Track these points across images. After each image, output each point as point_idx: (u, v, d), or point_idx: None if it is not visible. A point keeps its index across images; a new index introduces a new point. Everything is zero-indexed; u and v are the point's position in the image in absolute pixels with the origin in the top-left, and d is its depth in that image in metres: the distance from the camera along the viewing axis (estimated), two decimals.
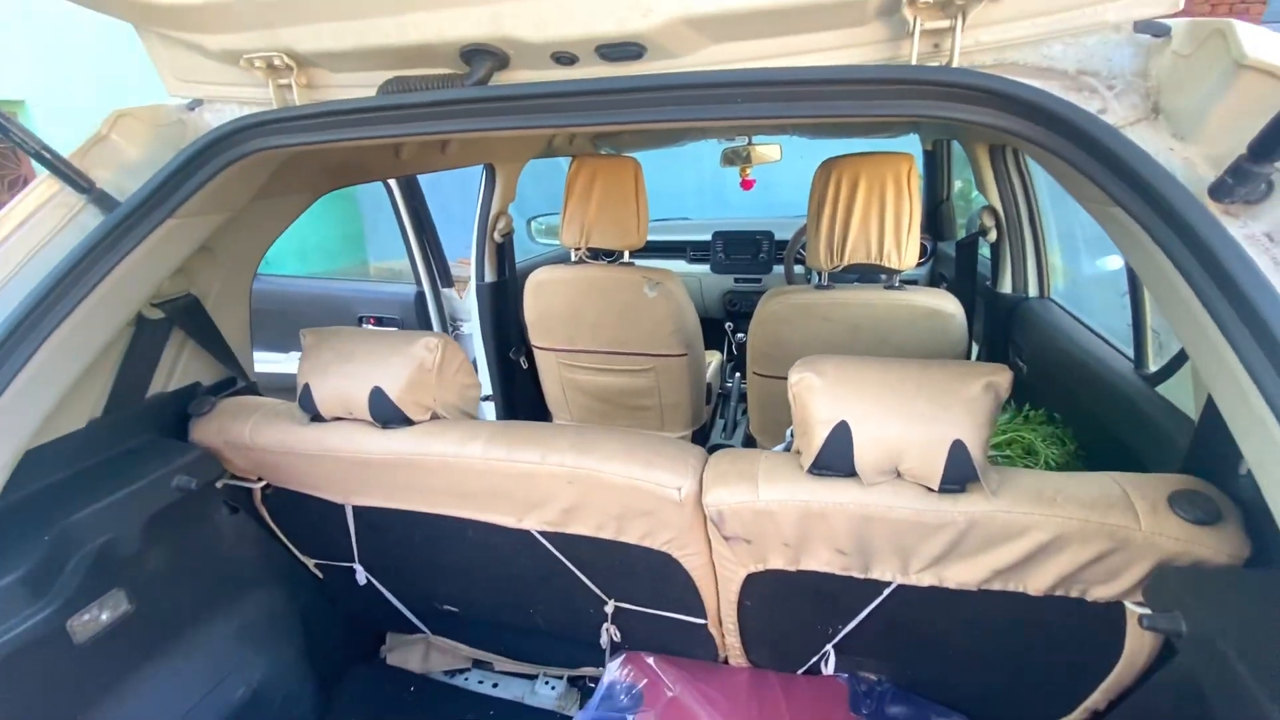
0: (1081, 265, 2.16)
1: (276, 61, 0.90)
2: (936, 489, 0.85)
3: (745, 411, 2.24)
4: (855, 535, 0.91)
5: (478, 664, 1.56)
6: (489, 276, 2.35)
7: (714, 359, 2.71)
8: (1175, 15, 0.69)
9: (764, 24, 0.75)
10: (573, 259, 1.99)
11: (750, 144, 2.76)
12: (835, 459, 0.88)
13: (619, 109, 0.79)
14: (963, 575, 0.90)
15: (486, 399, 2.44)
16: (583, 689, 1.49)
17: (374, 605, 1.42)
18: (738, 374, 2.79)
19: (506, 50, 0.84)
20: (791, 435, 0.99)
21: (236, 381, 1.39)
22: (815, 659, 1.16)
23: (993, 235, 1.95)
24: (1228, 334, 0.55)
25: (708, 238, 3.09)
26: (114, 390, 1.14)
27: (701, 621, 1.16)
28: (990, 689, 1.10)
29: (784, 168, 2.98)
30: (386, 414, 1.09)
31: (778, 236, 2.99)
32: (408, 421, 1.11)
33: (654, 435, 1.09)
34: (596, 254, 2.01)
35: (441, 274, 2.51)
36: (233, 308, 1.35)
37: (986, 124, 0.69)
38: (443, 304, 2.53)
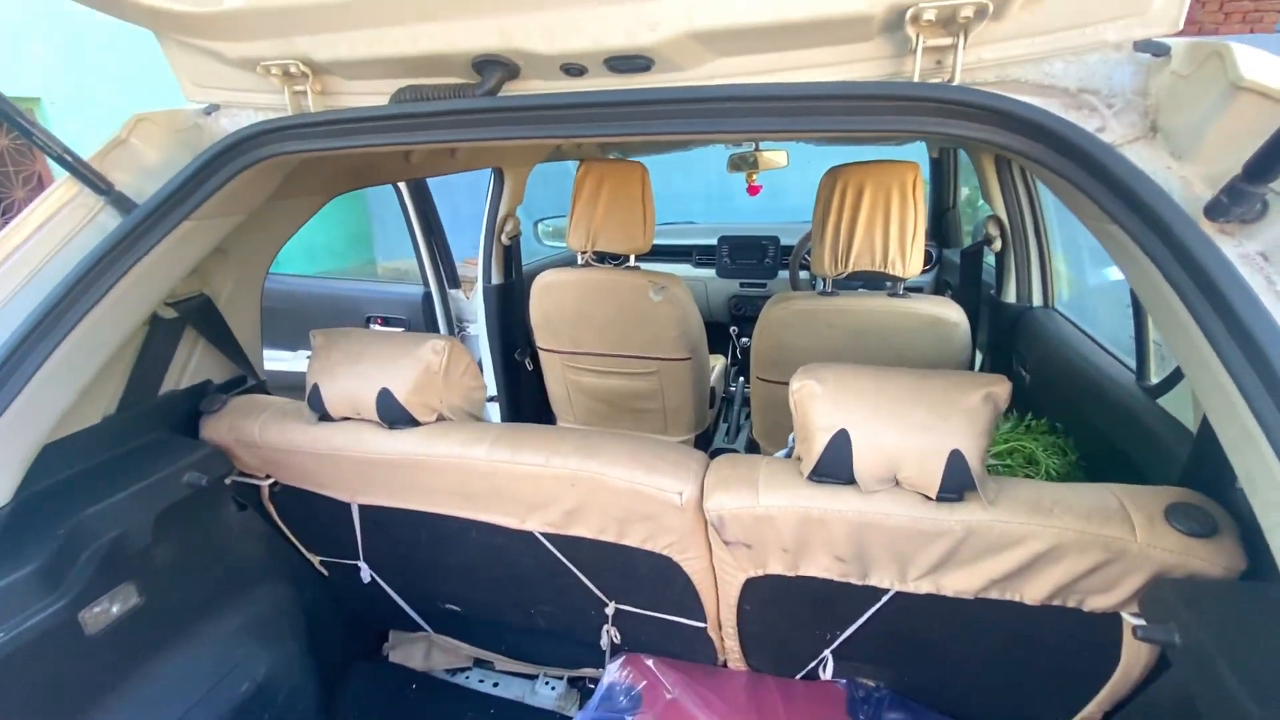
0: (1086, 275, 2.16)
1: (292, 69, 0.92)
2: (934, 498, 0.86)
3: (749, 416, 2.25)
4: (854, 542, 0.92)
5: (479, 663, 1.57)
6: (496, 278, 2.37)
7: (718, 363, 2.72)
8: (1175, 35, 0.70)
9: (769, 39, 0.77)
10: (579, 262, 2.01)
11: (757, 150, 2.77)
12: (835, 466, 0.89)
13: (626, 120, 0.81)
14: (960, 583, 0.91)
15: (491, 400, 2.46)
16: (582, 690, 1.50)
17: (378, 603, 1.44)
18: (741, 378, 2.80)
19: (517, 61, 0.85)
20: (794, 441, 1.00)
21: (247, 380, 1.41)
22: (814, 664, 1.17)
23: (997, 244, 1.96)
24: (1220, 352, 0.56)
25: (713, 242, 3.10)
26: (128, 387, 1.16)
27: (701, 625, 1.17)
28: (987, 697, 1.11)
29: (791, 173, 2.99)
30: (393, 415, 1.11)
31: (784, 242, 3.00)
32: (414, 422, 1.13)
33: (657, 440, 1.10)
34: (603, 257, 2.03)
35: (449, 275, 2.54)
36: (244, 307, 1.37)
37: (987, 141, 0.70)
38: (449, 305, 2.56)
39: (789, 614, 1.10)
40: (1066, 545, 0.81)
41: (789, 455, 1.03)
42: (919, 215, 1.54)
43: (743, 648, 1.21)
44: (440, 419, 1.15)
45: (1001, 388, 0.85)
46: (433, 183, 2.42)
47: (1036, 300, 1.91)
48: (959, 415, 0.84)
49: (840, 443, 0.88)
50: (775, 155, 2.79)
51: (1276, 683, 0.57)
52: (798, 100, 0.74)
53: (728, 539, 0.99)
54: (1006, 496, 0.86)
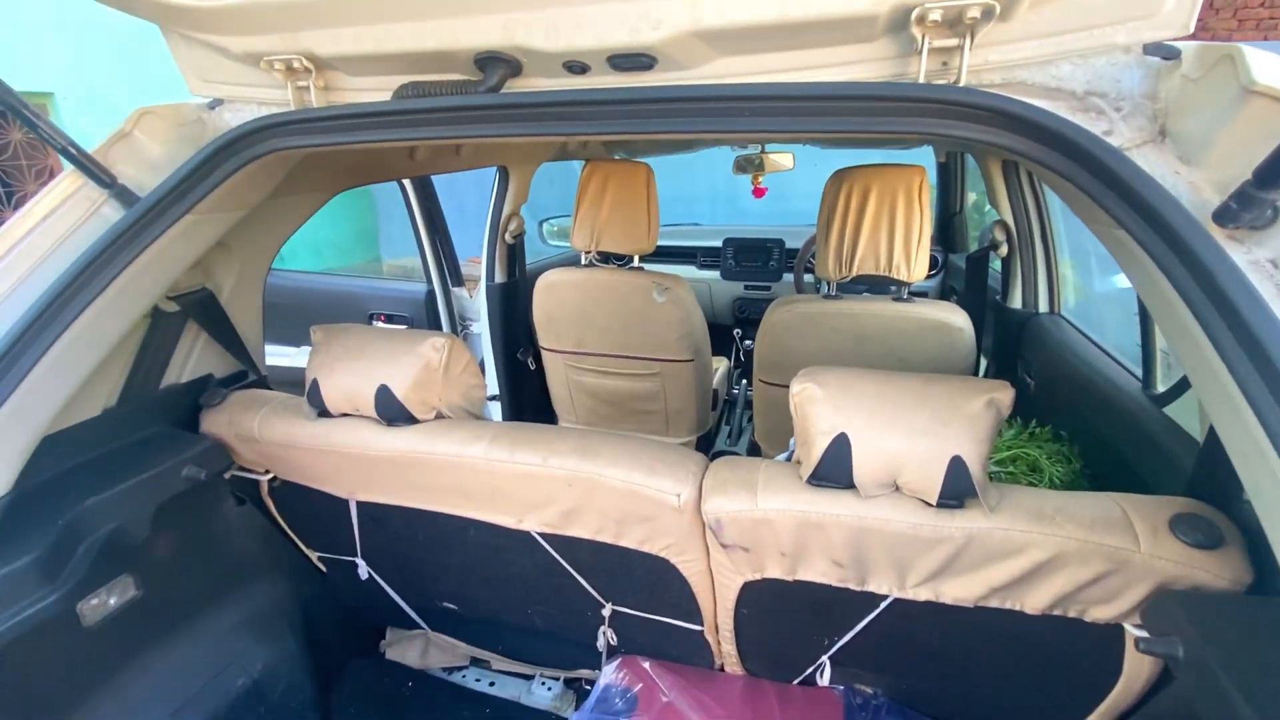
0: (1094, 282, 2.14)
1: (296, 64, 0.92)
2: (935, 504, 0.85)
3: (751, 419, 2.24)
4: (852, 547, 0.91)
5: (475, 662, 1.57)
6: (499, 277, 2.37)
7: (721, 365, 2.71)
8: (1186, 38, 0.69)
9: (773, 39, 0.76)
10: (583, 262, 2.01)
11: (764, 152, 2.77)
12: (834, 470, 0.88)
13: (629, 119, 0.80)
14: (959, 591, 0.90)
15: (493, 399, 2.45)
16: (579, 691, 1.49)
17: (375, 600, 1.43)
18: (744, 381, 2.79)
19: (519, 58, 0.85)
20: (795, 444, 1.00)
21: (248, 375, 1.41)
22: (811, 669, 1.16)
23: (1004, 250, 1.94)
24: (1228, 361, 0.55)
25: (718, 244, 3.10)
26: (129, 380, 1.16)
27: (698, 628, 1.17)
28: (985, 707, 1.09)
29: (797, 176, 2.98)
30: (392, 412, 1.11)
31: (789, 245, 2.99)
32: (413, 420, 1.12)
33: (655, 441, 1.10)
34: (607, 257, 2.03)
35: (452, 273, 2.54)
36: (246, 302, 1.37)
37: (992, 143, 0.69)
38: (452, 303, 2.56)
39: (786, 619, 1.09)
40: (1069, 554, 0.80)
41: (790, 458, 1.02)
42: (925, 220, 1.52)
43: (739, 652, 1.20)
44: (439, 417, 1.15)
45: (1004, 393, 0.84)
46: (438, 182, 2.42)
47: (1043, 306, 1.89)
48: (961, 420, 0.83)
49: (840, 446, 0.87)
50: (781, 158, 2.79)
51: None
52: (801, 100, 0.73)
53: (725, 542, 0.98)
54: (1008, 504, 0.84)
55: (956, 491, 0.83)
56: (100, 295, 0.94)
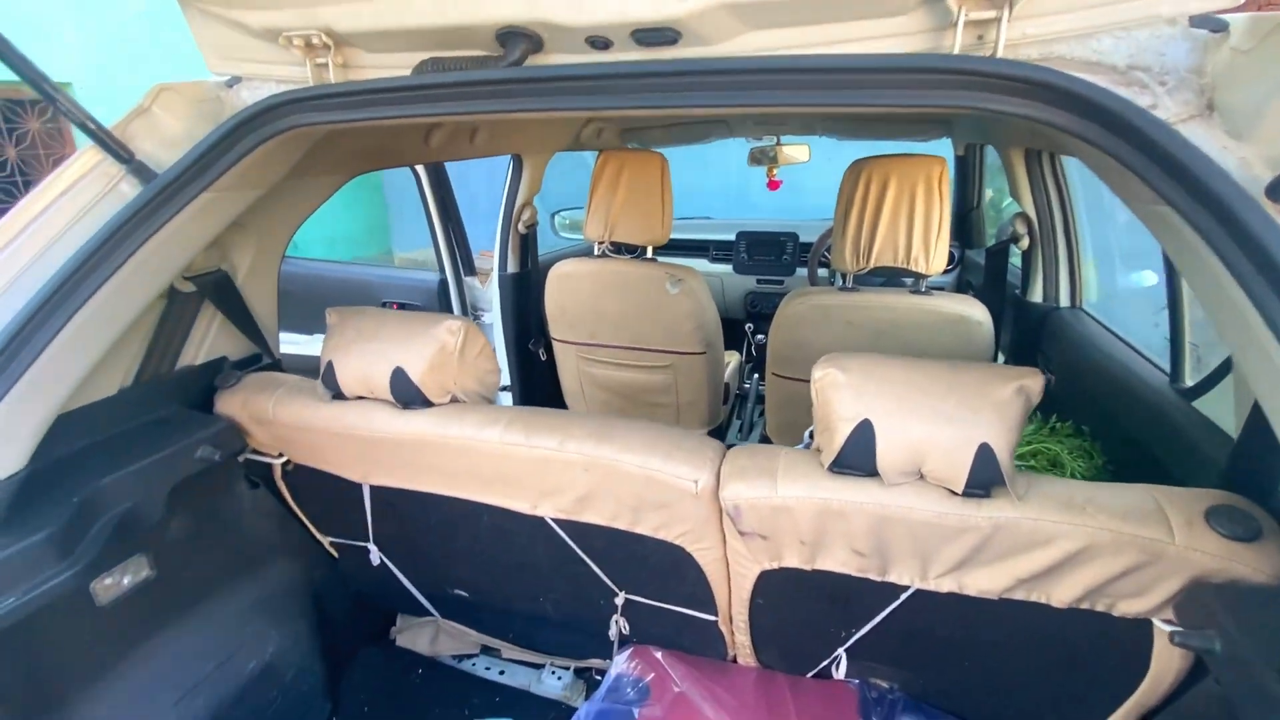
0: (1117, 277, 2.10)
1: (315, 40, 0.91)
2: (960, 492, 0.83)
3: (762, 413, 2.22)
4: (874, 536, 0.89)
5: (486, 650, 1.56)
6: (512, 267, 2.36)
7: (733, 359, 2.69)
8: (1234, 10, 0.66)
9: (804, 11, 0.74)
10: (596, 253, 1.99)
11: (778, 144, 2.74)
12: (857, 457, 0.86)
13: (652, 93, 0.78)
14: (984, 583, 0.88)
15: (504, 389, 2.45)
16: (589, 681, 1.48)
17: (386, 586, 1.43)
18: (756, 375, 2.77)
19: (541, 33, 0.84)
20: (810, 437, 0.98)
21: (262, 358, 1.41)
22: (826, 662, 1.14)
23: (1025, 242, 1.91)
24: None
25: (731, 238, 3.07)
26: (145, 360, 1.16)
27: (712, 618, 1.15)
28: (1007, 704, 1.07)
29: (811, 170, 2.95)
30: (407, 394, 1.10)
31: (802, 239, 2.96)
32: (427, 403, 1.12)
33: (672, 428, 1.08)
34: (619, 249, 2.01)
35: (465, 262, 2.53)
36: (262, 285, 1.37)
37: (1030, 117, 0.67)
38: (465, 292, 2.55)
39: (803, 609, 1.07)
40: (1100, 546, 0.78)
41: (806, 449, 1.00)
42: (944, 211, 1.50)
43: (753, 643, 1.18)
44: (454, 400, 1.14)
45: (1035, 381, 0.82)
46: (451, 174, 2.41)
47: (1064, 300, 1.86)
48: (989, 408, 0.81)
49: (863, 433, 0.85)
50: (796, 150, 2.76)
51: None
52: (832, 73, 0.71)
53: (743, 529, 0.96)
54: (1036, 493, 0.82)
55: (983, 480, 0.81)
56: (117, 272, 0.93)
